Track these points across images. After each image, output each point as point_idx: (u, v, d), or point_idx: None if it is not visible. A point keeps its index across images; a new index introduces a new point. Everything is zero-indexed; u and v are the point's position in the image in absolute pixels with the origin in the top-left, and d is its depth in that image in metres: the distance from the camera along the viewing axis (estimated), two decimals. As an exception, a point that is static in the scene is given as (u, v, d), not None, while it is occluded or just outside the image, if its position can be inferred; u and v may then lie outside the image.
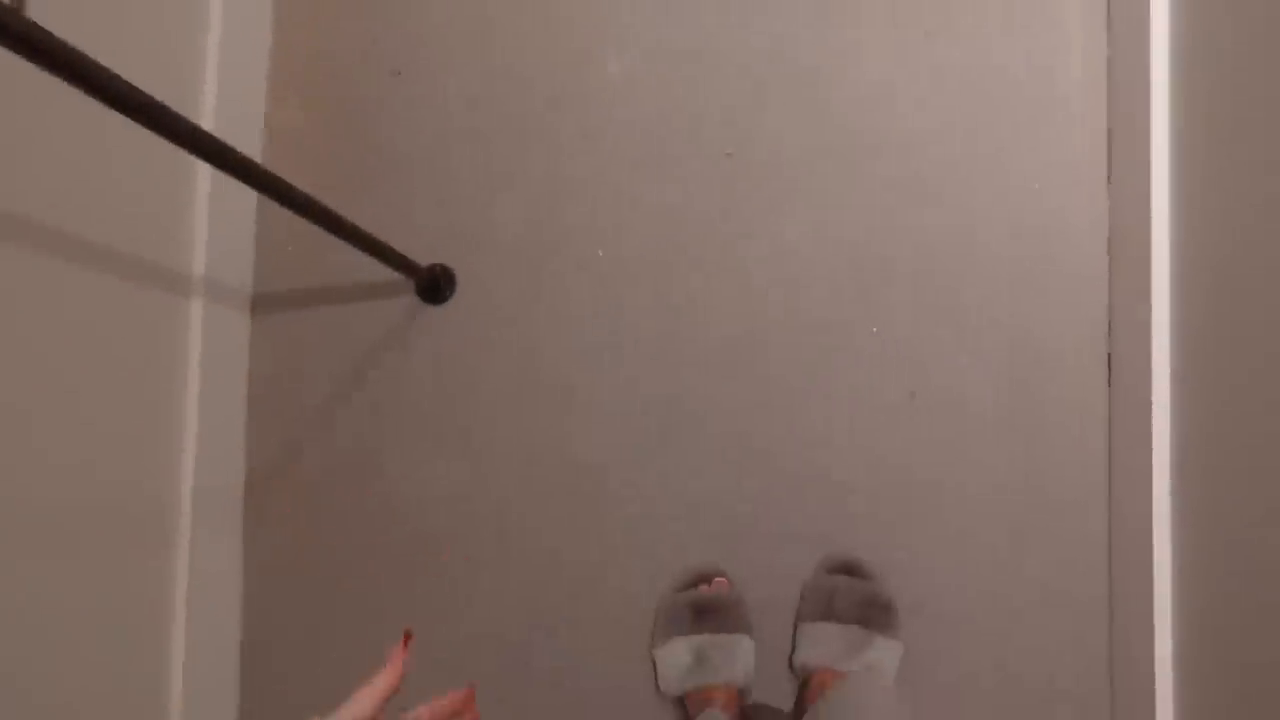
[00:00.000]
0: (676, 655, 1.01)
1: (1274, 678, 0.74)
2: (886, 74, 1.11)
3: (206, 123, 1.08)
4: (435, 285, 1.13)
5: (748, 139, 1.12)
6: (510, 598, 1.11)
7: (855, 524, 1.07)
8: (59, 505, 0.87)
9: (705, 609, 1.02)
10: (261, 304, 1.17)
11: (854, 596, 1.00)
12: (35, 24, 0.46)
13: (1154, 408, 0.93)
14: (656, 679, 1.04)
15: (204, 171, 1.07)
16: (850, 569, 1.04)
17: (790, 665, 1.04)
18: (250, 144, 1.18)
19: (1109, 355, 1.05)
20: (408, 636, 0.50)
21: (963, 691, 1.04)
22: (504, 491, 1.12)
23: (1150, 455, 0.93)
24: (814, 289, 1.10)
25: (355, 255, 1.03)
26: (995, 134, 1.09)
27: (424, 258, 1.12)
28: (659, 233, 1.13)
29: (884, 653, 0.99)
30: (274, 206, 1.18)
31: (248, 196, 1.17)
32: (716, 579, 1.06)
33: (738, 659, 1.00)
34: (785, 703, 1.05)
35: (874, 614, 1.00)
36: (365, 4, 1.20)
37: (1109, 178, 1.06)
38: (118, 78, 0.53)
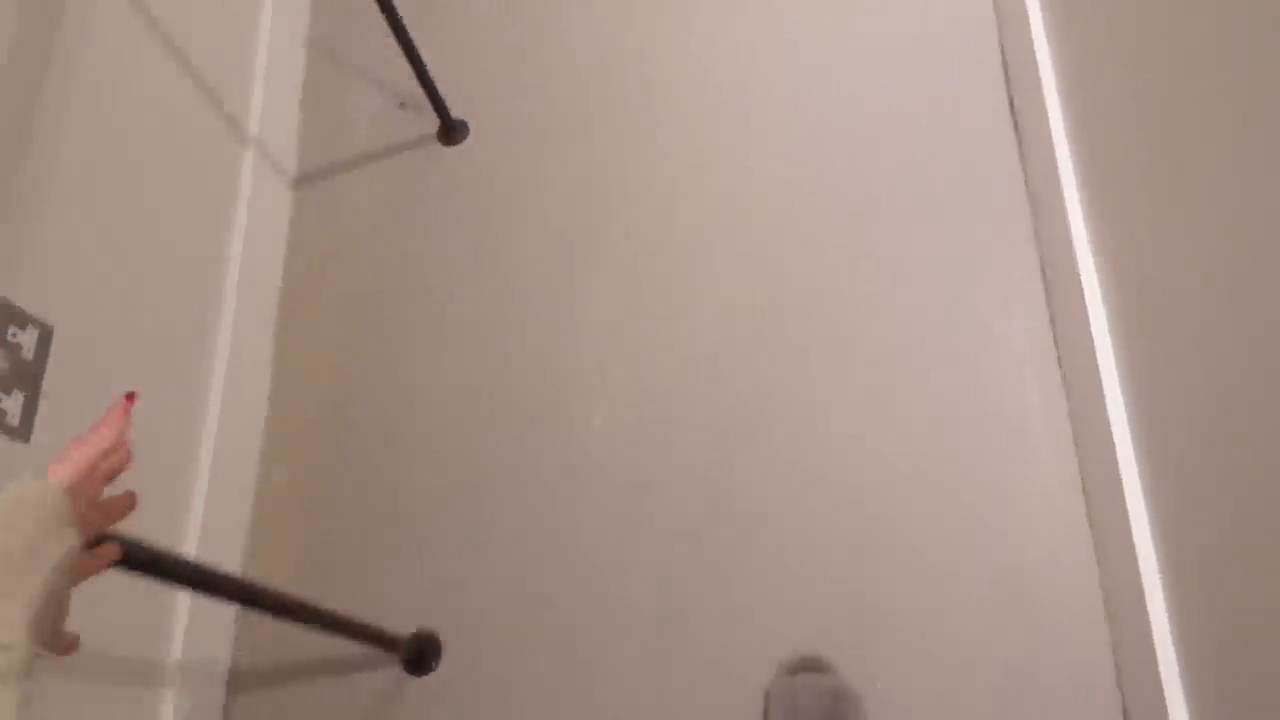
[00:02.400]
0: None
1: None
2: (857, 427, 1.15)
3: (200, 484, 1.13)
4: (420, 656, 1.10)
5: (725, 494, 1.14)
6: None
7: None
8: None
9: None
10: (238, 682, 1.14)
11: (819, 695, 1.00)
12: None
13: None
14: None
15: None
16: (809, 665, 1.03)
17: None
18: (241, 507, 1.22)
19: (1123, 706, 1.00)
20: (130, 398, 0.48)
21: None
22: None
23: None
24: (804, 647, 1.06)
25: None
26: (972, 481, 1.10)
27: (410, 620, 1.10)
28: (644, 594, 1.11)
29: None
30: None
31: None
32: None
33: None
34: None
35: (842, 709, 0.99)
36: (357, 374, 1.30)
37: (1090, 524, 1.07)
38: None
